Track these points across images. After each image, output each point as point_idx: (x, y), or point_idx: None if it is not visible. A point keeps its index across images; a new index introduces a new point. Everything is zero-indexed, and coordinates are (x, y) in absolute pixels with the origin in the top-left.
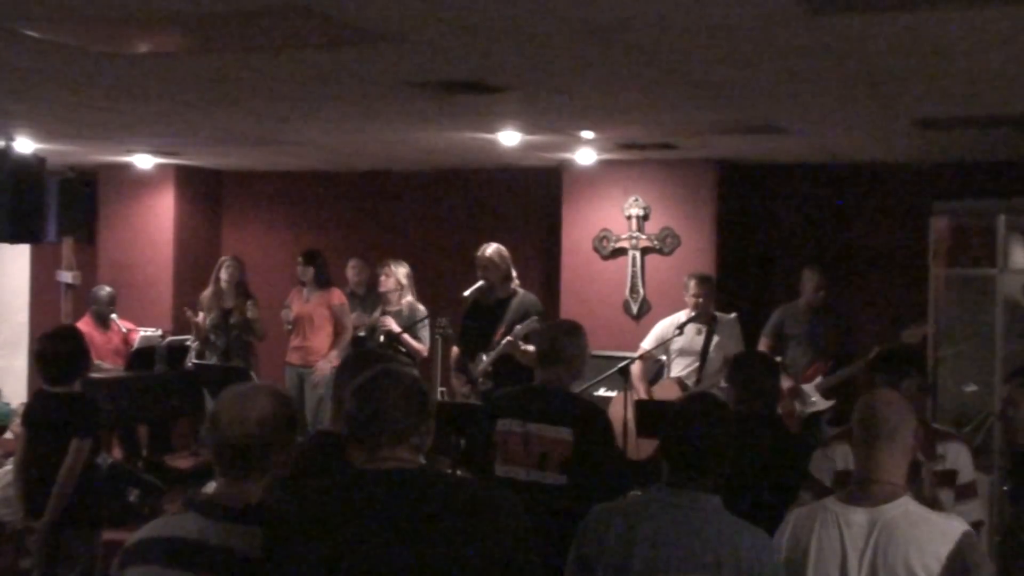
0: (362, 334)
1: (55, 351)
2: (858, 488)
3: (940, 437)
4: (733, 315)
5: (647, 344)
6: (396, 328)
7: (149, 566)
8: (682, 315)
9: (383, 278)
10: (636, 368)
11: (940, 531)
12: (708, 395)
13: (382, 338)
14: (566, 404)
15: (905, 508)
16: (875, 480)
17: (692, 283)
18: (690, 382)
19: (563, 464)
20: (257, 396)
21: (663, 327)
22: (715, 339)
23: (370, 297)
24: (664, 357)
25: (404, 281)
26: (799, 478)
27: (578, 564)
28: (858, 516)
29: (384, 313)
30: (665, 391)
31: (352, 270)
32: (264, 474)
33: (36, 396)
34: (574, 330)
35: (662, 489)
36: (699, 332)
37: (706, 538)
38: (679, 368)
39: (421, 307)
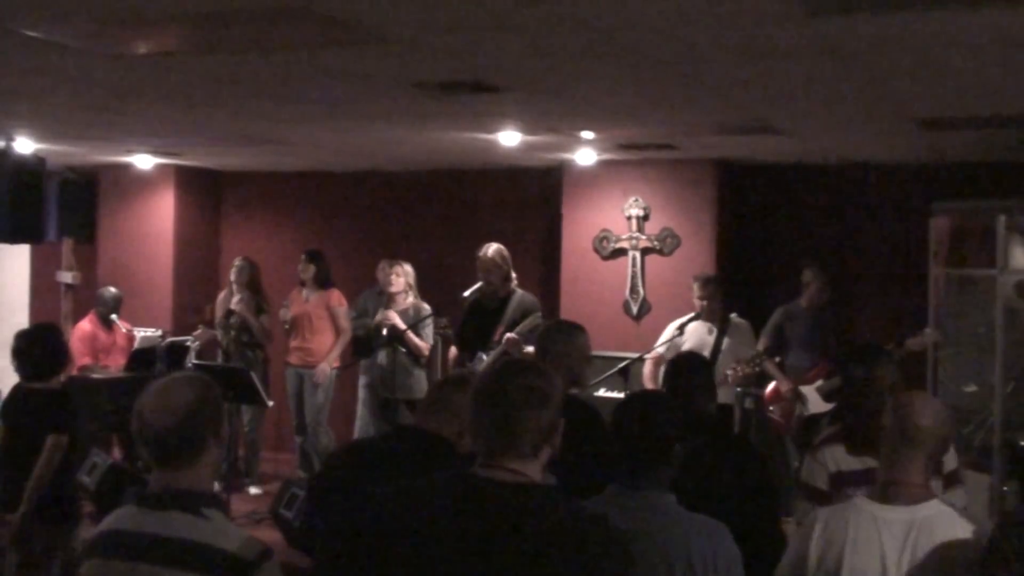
0: (360, 333)
1: (31, 348)
2: (888, 489)
3: None
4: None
5: (659, 347)
6: (401, 325)
7: (96, 559)
8: (687, 316)
9: (394, 277)
10: (647, 370)
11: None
12: (650, 392)
13: (384, 331)
14: None
15: (939, 508)
16: (901, 482)
17: (696, 285)
18: None
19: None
20: (178, 386)
21: (670, 329)
22: (726, 340)
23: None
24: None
25: (412, 282)
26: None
27: None
28: (894, 514)
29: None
30: None
31: (382, 271)
32: (198, 461)
33: (14, 391)
34: (567, 328)
35: (617, 491)
36: (710, 332)
37: (655, 542)
38: None
39: (426, 306)
